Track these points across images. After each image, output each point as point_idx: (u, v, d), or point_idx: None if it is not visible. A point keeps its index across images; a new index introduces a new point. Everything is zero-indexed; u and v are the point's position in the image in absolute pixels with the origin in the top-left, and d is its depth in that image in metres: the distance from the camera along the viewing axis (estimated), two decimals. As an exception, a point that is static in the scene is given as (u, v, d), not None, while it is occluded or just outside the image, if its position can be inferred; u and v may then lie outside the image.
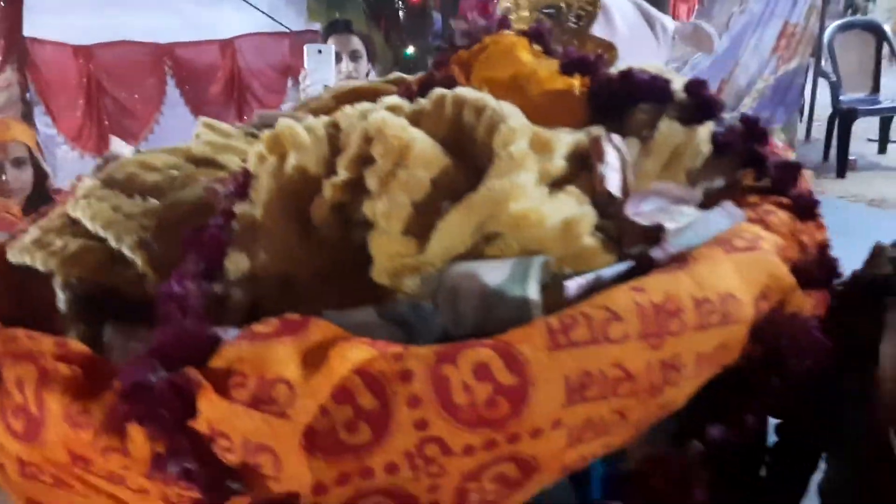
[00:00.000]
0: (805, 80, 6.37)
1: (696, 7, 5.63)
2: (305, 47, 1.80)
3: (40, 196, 2.04)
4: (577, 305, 0.51)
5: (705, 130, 0.69)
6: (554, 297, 0.53)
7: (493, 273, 0.53)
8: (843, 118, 5.52)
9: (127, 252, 0.67)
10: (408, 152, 0.58)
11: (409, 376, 0.47)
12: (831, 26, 5.82)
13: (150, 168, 0.80)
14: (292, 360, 0.48)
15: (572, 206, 0.59)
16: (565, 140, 0.65)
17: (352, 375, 0.47)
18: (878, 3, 10.31)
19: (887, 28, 5.93)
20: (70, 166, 3.66)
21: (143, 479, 0.49)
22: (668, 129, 0.68)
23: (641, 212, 0.61)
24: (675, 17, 5.57)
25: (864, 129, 6.05)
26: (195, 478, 0.47)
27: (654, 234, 0.59)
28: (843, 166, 5.46)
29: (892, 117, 5.78)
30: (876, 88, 5.77)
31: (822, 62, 5.69)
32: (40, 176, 2.14)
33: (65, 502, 0.55)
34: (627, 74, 0.73)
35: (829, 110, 5.66)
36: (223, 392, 0.47)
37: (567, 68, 0.75)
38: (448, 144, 0.61)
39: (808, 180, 0.72)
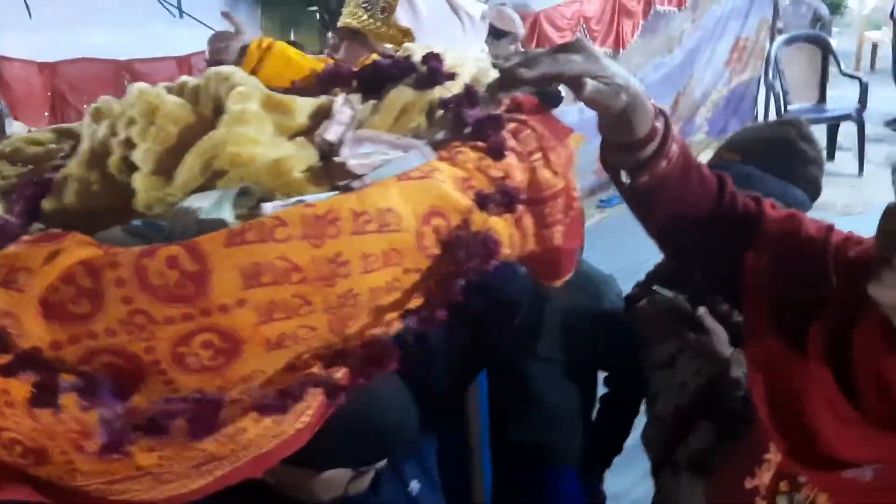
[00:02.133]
0: (757, 92, 6.62)
1: (641, 23, 5.84)
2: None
3: None
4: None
5: (434, 94, 0.86)
6: (255, 216, 0.70)
7: (205, 201, 0.70)
8: None
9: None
10: (157, 111, 0.75)
11: (117, 265, 0.64)
12: (777, 40, 6.06)
13: (34, 143, 0.98)
14: (38, 255, 0.65)
15: (290, 150, 0.76)
16: (308, 103, 0.82)
17: (77, 265, 0.64)
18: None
19: (833, 42, 6.16)
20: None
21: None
22: (397, 92, 0.85)
23: (356, 154, 0.78)
24: (620, 33, 5.77)
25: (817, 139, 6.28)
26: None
27: (357, 170, 0.75)
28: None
29: (838, 126, 5.99)
30: (822, 99, 5.98)
31: (770, 74, 5.89)
32: None
33: None
34: (376, 63, 0.90)
35: (780, 120, 5.87)
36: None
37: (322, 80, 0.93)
38: (203, 105, 0.79)
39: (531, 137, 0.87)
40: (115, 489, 0.77)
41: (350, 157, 0.77)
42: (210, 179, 0.74)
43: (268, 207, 0.70)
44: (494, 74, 0.88)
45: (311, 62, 0.95)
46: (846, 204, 4.95)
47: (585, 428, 1.86)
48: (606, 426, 1.89)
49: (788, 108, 5.91)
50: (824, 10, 8.80)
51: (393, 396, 1.05)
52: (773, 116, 6.19)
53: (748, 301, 0.94)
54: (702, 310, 1.45)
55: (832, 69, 6.17)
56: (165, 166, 0.74)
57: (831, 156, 6.10)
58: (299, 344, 0.72)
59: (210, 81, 0.81)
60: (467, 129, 0.82)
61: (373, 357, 0.75)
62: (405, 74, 0.89)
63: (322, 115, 0.82)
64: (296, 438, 0.86)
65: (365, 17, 1.23)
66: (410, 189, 0.73)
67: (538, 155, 0.87)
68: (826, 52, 6.05)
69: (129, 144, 0.78)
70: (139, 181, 0.75)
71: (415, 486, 1.21)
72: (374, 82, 0.90)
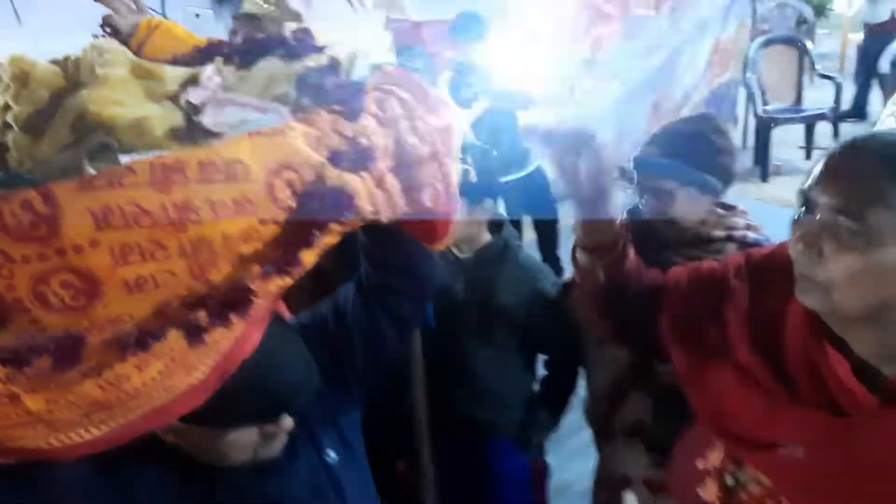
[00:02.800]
0: (737, 93, 6.70)
1: (619, 28, 5.93)
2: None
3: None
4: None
5: (301, 65, 0.93)
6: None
7: (67, 155, 0.77)
8: (762, 126, 5.84)
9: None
10: (29, 76, 0.82)
11: (-24, 209, 0.70)
12: (755, 42, 6.13)
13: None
14: None
15: (154, 111, 0.82)
16: (180, 72, 0.89)
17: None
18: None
19: (809, 44, 6.24)
20: None
21: None
22: (265, 63, 0.92)
23: (217, 115, 0.84)
24: (596, 37, 5.86)
25: (797, 138, 6.36)
26: None
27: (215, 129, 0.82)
28: (765, 171, 5.78)
29: (814, 125, 6.06)
30: (799, 99, 6.06)
31: (747, 75, 5.97)
32: None
33: None
34: (249, 37, 0.97)
35: (759, 121, 5.98)
36: None
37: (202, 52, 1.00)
38: (76, 73, 0.85)
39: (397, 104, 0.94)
40: (10, 435, 0.83)
41: (210, 118, 0.83)
42: (79, 138, 0.81)
43: (124, 160, 0.76)
44: (376, 54, 0.96)
45: (198, 40, 1.02)
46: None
47: (524, 405, 1.94)
48: (545, 403, 1.96)
49: (766, 108, 5.97)
50: (808, 13, 8.90)
51: (292, 356, 1.09)
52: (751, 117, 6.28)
53: (668, 344, 1.15)
54: None
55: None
56: (37, 126, 0.81)
57: (808, 155, 6.17)
58: (161, 288, 0.77)
59: (87, 53, 0.87)
60: (328, 97, 0.89)
61: (229, 301, 0.80)
62: (276, 47, 0.96)
63: (192, 83, 0.89)
64: (191, 395, 0.91)
65: (262, 2, 1.33)
66: (260, 144, 0.79)
67: (405, 122, 0.94)
68: (802, 53, 6.14)
69: (7, 108, 0.84)
70: (12, 140, 0.81)
71: (332, 455, 1.23)
72: (248, 55, 0.96)
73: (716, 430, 1.06)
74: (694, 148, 1.62)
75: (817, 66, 6.16)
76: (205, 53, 0.97)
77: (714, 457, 1.10)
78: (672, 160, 1.61)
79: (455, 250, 1.92)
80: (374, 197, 0.90)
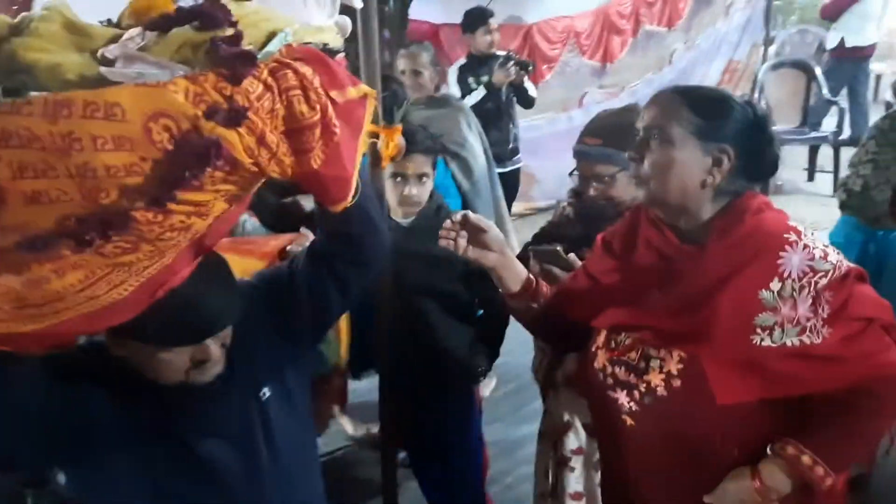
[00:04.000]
0: (745, 114, 6.81)
1: (630, 41, 6.10)
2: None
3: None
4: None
5: (209, 35, 1.09)
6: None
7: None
8: None
9: None
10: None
11: None
12: (764, 65, 6.25)
13: None
14: None
15: (71, 59, 1.00)
16: (110, 31, 1.07)
17: None
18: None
19: (817, 70, 6.31)
20: None
21: None
22: (179, 30, 1.09)
23: (127, 68, 1.02)
24: (608, 49, 6.02)
25: (801, 160, 6.43)
26: None
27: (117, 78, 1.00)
28: (765, 189, 5.86)
29: (818, 148, 6.14)
30: (804, 122, 6.14)
31: (755, 96, 6.07)
32: None
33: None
34: (178, 8, 1.14)
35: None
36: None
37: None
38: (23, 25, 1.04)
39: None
40: None
41: (117, 70, 1.01)
42: (5, 76, 0.99)
43: (33, 95, 0.94)
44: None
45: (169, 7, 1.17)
46: (815, 220, 5.12)
47: (467, 345, 2.27)
48: (483, 339, 2.30)
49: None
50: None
51: (215, 290, 1.24)
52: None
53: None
54: (571, 255, 1.80)
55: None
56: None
57: (811, 177, 6.24)
58: (56, 204, 0.95)
59: (36, 11, 1.06)
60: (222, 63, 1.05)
61: (110, 221, 0.97)
62: (195, 18, 1.13)
63: (113, 41, 1.06)
64: (118, 309, 1.09)
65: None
66: (140, 92, 0.96)
67: (297, 91, 1.09)
68: (811, 77, 6.22)
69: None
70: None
71: (266, 392, 1.37)
72: (170, 21, 1.13)
73: (602, 321, 1.48)
74: (629, 136, 1.82)
75: (824, 91, 6.23)
76: (163, 19, 1.14)
77: (600, 338, 1.51)
78: (612, 149, 1.85)
79: (397, 218, 2.19)
80: (253, 152, 1.06)
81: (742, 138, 1.32)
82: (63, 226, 0.97)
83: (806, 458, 1.24)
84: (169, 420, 1.26)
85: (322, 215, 1.32)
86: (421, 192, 2.17)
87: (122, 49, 1.04)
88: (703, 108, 1.32)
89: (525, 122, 4.88)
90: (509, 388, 3.56)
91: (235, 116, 1.03)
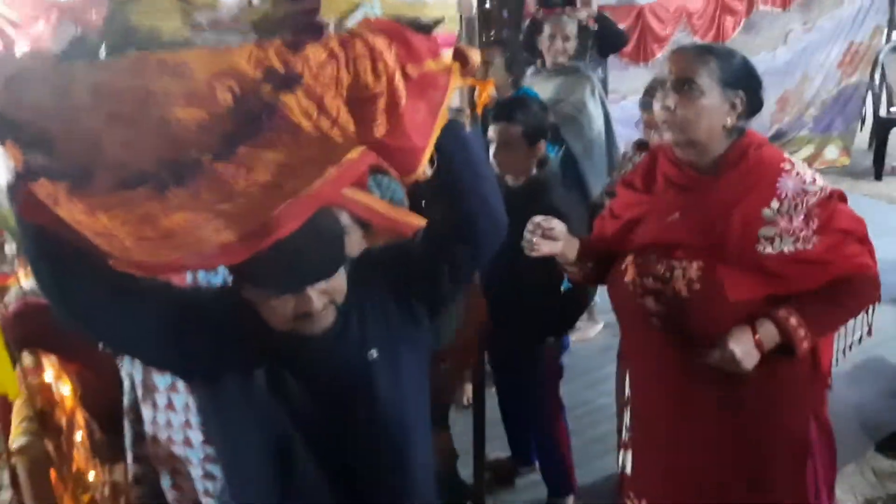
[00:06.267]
0: (866, 94, 6.48)
1: (743, 21, 5.93)
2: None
3: None
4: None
5: (291, 7, 1.24)
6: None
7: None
8: (881, 127, 6.03)
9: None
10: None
11: None
12: (886, 46, 5.95)
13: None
14: None
15: (171, 24, 1.17)
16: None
17: None
18: None
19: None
20: None
21: None
22: (263, 3, 1.24)
23: (213, 33, 1.18)
24: (720, 28, 5.91)
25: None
26: None
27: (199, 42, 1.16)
28: (880, 170, 5.98)
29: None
30: (923, 105, 5.84)
31: (876, 78, 5.85)
32: None
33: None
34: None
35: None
36: None
37: None
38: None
39: None
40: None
41: (206, 35, 1.17)
42: (125, 40, 1.17)
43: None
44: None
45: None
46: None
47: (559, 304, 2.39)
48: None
49: (891, 109, 6.02)
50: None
51: (317, 238, 1.22)
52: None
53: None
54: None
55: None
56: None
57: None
58: (140, 150, 1.08)
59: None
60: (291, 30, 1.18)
61: (183, 168, 1.04)
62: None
63: (210, 8, 1.23)
64: (226, 251, 1.12)
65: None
66: (209, 54, 1.05)
67: (365, 61, 1.11)
68: (933, 59, 5.84)
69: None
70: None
71: (374, 353, 1.35)
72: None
73: (633, 243, 1.70)
74: None
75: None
76: None
77: (628, 259, 1.72)
78: None
79: (509, 180, 2.35)
80: (311, 116, 1.07)
81: (745, 83, 1.54)
82: (145, 171, 1.10)
83: (793, 320, 1.52)
84: (279, 362, 1.30)
85: (436, 192, 1.32)
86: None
87: (213, 16, 1.21)
88: (723, 59, 1.53)
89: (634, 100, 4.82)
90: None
91: (290, 81, 1.08)
